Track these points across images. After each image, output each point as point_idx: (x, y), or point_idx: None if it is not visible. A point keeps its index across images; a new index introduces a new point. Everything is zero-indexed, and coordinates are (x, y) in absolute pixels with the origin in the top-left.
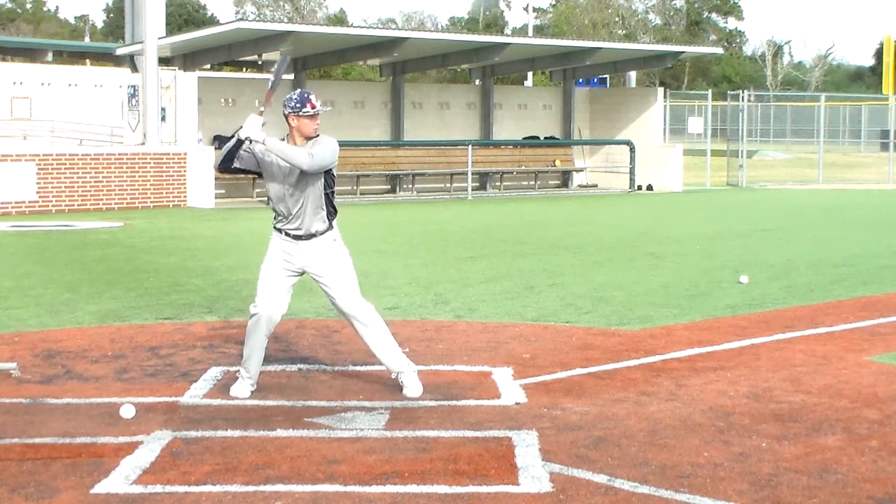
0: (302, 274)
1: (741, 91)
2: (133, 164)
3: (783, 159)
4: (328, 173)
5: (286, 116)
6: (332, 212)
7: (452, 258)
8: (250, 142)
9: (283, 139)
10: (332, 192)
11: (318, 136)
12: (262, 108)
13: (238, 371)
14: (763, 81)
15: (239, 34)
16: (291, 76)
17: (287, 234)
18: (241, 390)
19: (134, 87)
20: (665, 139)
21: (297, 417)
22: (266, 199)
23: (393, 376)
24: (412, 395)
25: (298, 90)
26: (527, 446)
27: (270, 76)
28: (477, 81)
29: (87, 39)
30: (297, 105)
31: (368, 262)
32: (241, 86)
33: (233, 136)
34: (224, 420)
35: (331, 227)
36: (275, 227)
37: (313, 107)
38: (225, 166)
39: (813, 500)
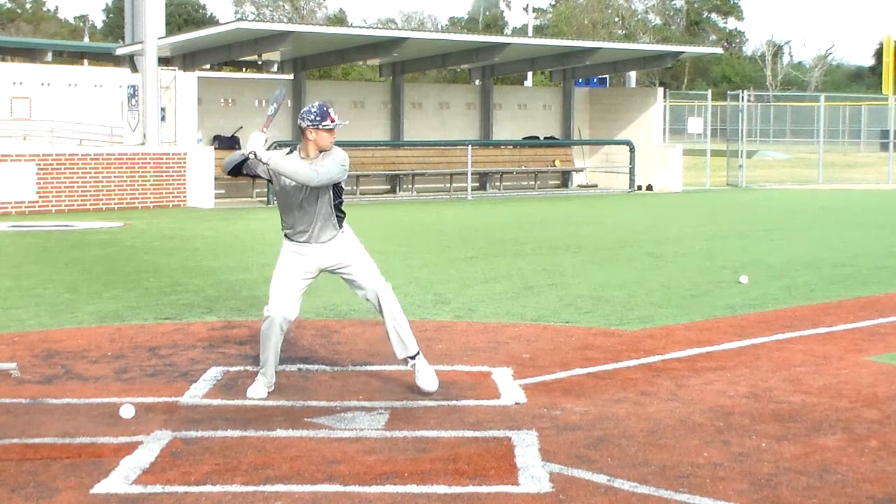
0: (317, 276)
1: (741, 91)
2: (133, 164)
3: (783, 159)
4: (336, 186)
5: (303, 129)
6: (341, 216)
7: (452, 258)
8: (255, 157)
9: (292, 150)
10: (341, 202)
11: (331, 148)
12: (264, 128)
13: (257, 372)
14: (763, 81)
15: (238, 34)
16: (291, 76)
17: (298, 242)
18: (258, 391)
19: (134, 87)
20: (665, 139)
21: (297, 417)
22: (267, 200)
23: (407, 363)
24: (429, 388)
25: (318, 103)
26: (526, 446)
27: (270, 105)
28: (477, 81)
29: (86, 39)
30: (318, 119)
31: None
32: (241, 86)
33: (231, 136)
34: (224, 420)
35: (342, 228)
36: (284, 235)
37: (333, 121)
38: (231, 174)
39: (813, 500)
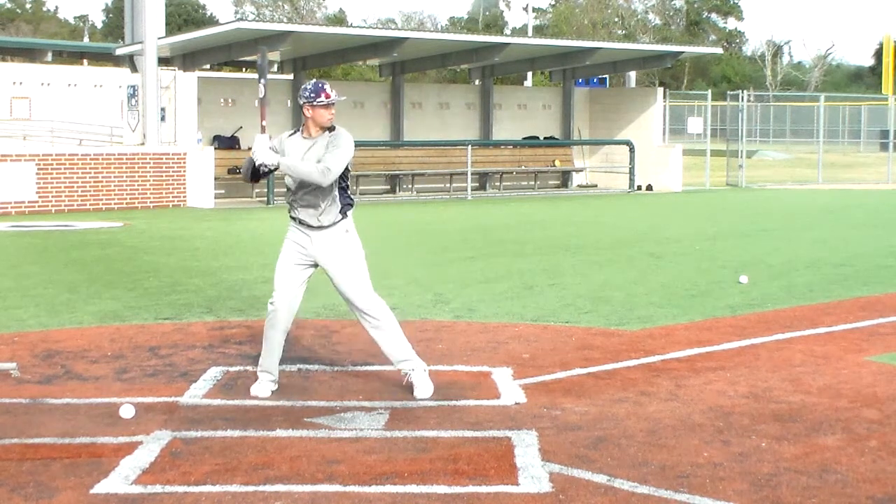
0: (316, 266)
1: (741, 91)
2: (133, 165)
3: (783, 159)
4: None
5: (301, 106)
6: (347, 204)
7: (452, 258)
8: (265, 167)
9: (297, 131)
10: (347, 186)
11: (333, 128)
12: (263, 124)
13: (257, 371)
14: (762, 81)
15: (238, 34)
16: (291, 76)
17: (301, 223)
18: (262, 390)
19: (133, 87)
20: (665, 139)
21: (297, 417)
22: (267, 200)
23: (403, 374)
24: (423, 395)
25: (314, 80)
26: (526, 446)
27: (260, 86)
28: (476, 81)
29: (86, 39)
30: (312, 95)
31: (368, 262)
32: (241, 86)
33: (231, 136)
34: (224, 420)
35: (344, 216)
36: (290, 217)
37: (328, 96)
38: (253, 180)
39: (812, 500)
